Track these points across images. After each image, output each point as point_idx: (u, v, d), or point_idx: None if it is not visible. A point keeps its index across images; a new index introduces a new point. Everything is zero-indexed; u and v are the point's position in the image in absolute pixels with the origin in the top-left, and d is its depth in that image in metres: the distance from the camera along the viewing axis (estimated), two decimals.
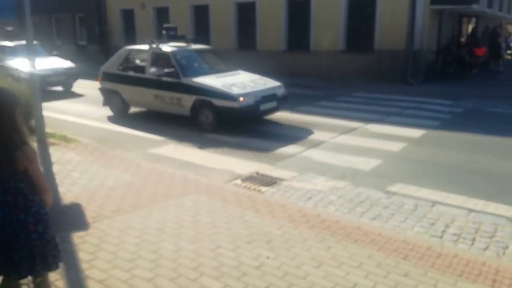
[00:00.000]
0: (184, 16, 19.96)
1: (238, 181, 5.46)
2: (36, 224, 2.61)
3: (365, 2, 15.06)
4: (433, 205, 4.62)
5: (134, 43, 22.18)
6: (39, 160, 5.83)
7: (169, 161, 6.35)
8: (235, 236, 3.84)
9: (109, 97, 9.56)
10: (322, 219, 4.18)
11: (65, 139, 7.10)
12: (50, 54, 14.16)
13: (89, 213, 4.31)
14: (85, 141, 7.16)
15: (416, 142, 7.30)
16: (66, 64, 13.52)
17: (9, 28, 14.07)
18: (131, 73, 9.22)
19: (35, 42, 13.89)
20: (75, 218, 4.24)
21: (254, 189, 5.19)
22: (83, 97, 12.32)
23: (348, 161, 6.26)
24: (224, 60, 9.76)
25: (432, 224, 4.19)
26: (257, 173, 5.77)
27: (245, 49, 18.21)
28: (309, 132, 7.97)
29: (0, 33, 14.44)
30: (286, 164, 6.22)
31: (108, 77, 9.57)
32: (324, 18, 15.80)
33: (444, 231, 4.04)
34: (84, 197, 4.73)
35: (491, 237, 3.93)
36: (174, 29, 9.87)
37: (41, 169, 5.56)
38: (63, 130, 7.73)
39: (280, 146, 7.02)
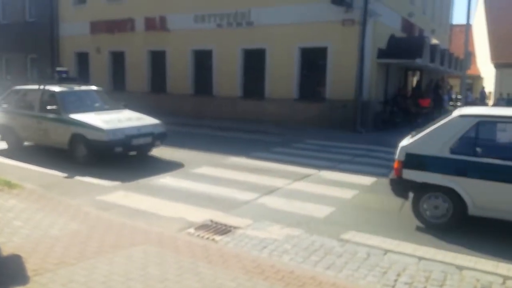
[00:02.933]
0: (140, 61, 20.01)
1: (191, 230, 5.31)
2: None
3: (316, 55, 15.79)
4: (385, 253, 4.68)
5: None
6: None
7: (119, 209, 6.11)
8: None
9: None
10: (277, 270, 4.11)
11: (9, 185, 6.70)
12: (118, 106, 10.25)
13: (30, 265, 4.01)
14: (30, 187, 6.78)
15: (367, 189, 7.49)
16: (152, 120, 9.72)
17: None
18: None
19: (94, 87, 10.85)
20: (14, 271, 3.92)
21: (207, 238, 5.07)
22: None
23: (302, 208, 6.29)
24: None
25: (384, 273, 4.22)
26: (211, 221, 5.66)
27: (201, 95, 18.42)
28: (263, 178, 7.99)
29: None
30: (241, 211, 6.15)
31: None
32: (278, 68, 16.37)
33: (396, 280, 4.07)
34: (26, 247, 4.42)
35: (441, 286, 4.00)
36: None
37: None
38: (7, 175, 7.31)
39: (235, 193, 6.96)
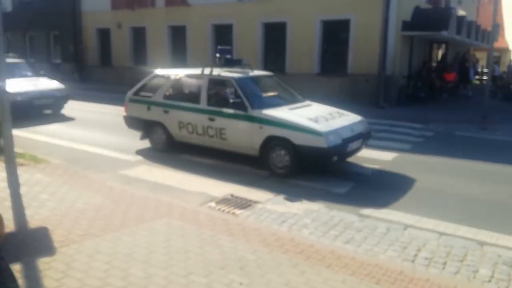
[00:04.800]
0: (161, 36, 20.01)
1: (212, 204, 5.40)
2: None
3: (338, 28, 15.46)
4: (405, 229, 4.67)
5: (110, 62, 22.21)
6: (6, 181, 5.64)
7: (142, 183, 6.24)
8: (208, 261, 3.77)
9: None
10: (296, 243, 4.15)
11: (35, 159, 6.91)
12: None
13: (57, 237, 4.17)
14: (56, 162, 6.97)
15: (388, 164, 7.42)
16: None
17: None
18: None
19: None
20: (41, 242, 4.09)
21: (228, 212, 5.14)
22: (74, 121, 11.73)
23: (322, 183, 6.30)
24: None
25: (404, 248, 4.22)
26: (232, 195, 5.73)
27: None
28: None
29: None
30: (262, 186, 6.19)
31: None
32: (299, 42, 16.12)
33: (416, 255, 4.07)
34: (52, 220, 4.58)
35: (461, 261, 3.98)
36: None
37: (8, 191, 5.39)
38: (34, 150, 7.53)
39: (257, 168, 7.00)
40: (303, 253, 3.97)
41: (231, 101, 6.86)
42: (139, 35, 20.99)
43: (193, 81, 7.88)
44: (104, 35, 22.30)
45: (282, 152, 6.52)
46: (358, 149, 7.05)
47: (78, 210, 4.89)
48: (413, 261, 3.96)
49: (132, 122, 8.44)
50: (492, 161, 7.75)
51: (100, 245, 4.02)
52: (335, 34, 15.70)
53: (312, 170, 6.75)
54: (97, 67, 22.82)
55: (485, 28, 22.29)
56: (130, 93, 8.42)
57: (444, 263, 3.93)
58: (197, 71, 7.86)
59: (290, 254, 3.93)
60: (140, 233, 4.31)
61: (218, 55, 7.86)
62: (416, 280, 3.54)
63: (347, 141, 6.53)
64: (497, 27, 16.17)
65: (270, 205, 5.37)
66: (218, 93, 7.57)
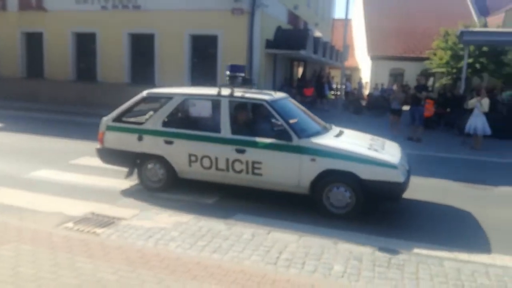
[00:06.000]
0: (13, 43, 18.05)
1: (70, 224, 4.96)
2: None
3: (207, 43, 15.76)
4: (268, 233, 4.88)
5: None
6: None
7: None
8: (63, 286, 3.43)
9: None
10: (162, 258, 4.04)
11: None
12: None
13: None
14: None
15: None
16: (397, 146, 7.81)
17: None
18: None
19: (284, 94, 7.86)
20: None
21: (88, 231, 4.78)
22: None
23: (191, 195, 6.26)
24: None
25: (268, 251, 4.39)
26: (93, 213, 5.35)
27: (84, 81, 17.29)
28: None
29: None
30: (127, 201, 5.91)
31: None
32: (168, 55, 16.00)
33: (278, 258, 4.27)
34: None
35: (319, 260, 4.29)
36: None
37: None
38: None
39: (121, 183, 6.67)
40: (168, 267, 3.87)
41: (275, 128, 5.72)
42: None
43: (207, 104, 6.32)
44: None
45: (342, 188, 5.50)
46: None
47: None
48: (275, 264, 4.15)
49: (113, 156, 6.58)
50: None
51: None
52: (204, 49, 15.96)
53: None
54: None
55: (338, 49, 24.90)
56: (107, 119, 6.60)
57: (303, 263, 4.19)
58: (209, 91, 6.47)
59: (155, 270, 3.80)
60: None
61: (228, 73, 6.47)
62: (278, 282, 3.70)
63: (408, 173, 5.80)
64: (347, 48, 18.21)
65: (135, 221, 5.15)
66: (246, 119, 6.38)
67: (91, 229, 4.83)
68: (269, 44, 16.27)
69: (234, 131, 5.94)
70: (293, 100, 6.97)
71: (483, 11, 31.24)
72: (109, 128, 6.56)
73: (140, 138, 6.33)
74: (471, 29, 19.48)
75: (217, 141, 5.94)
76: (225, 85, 6.40)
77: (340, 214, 5.51)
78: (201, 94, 6.49)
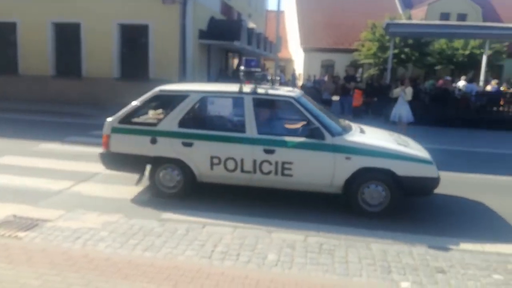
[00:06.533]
0: None
1: None
2: None
3: (137, 33, 15.24)
4: (203, 227, 4.84)
5: None
6: None
7: None
8: None
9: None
10: (90, 259, 3.87)
11: None
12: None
13: None
14: None
15: None
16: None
17: None
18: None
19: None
20: None
21: (9, 236, 4.45)
22: None
23: (123, 192, 6.05)
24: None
25: (202, 245, 4.36)
26: (15, 216, 4.99)
27: (3, 74, 16.05)
28: (79, 164, 7.41)
29: None
30: (52, 202, 5.58)
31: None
32: (96, 45, 15.29)
33: (213, 251, 4.25)
34: None
35: (253, 250, 4.32)
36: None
37: None
38: None
39: (45, 183, 6.29)
40: (97, 268, 3.72)
41: (306, 126, 5.51)
42: None
43: (227, 102, 5.91)
44: None
45: (376, 186, 5.40)
46: None
47: None
48: (210, 257, 4.12)
49: (121, 161, 5.97)
50: None
51: None
52: (134, 39, 15.43)
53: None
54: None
55: (272, 41, 25.15)
56: (112, 121, 5.98)
57: (238, 254, 4.21)
58: (229, 87, 6.08)
59: (82, 272, 3.63)
60: None
61: (242, 67, 6.11)
62: (213, 275, 3.69)
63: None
64: (280, 39, 18.44)
65: (62, 222, 4.88)
66: (272, 117, 6.08)
67: (12, 233, 4.50)
68: (203, 35, 16.06)
69: (260, 131, 5.60)
70: (308, 97, 6.49)
71: (408, 4, 33.01)
72: (116, 130, 5.91)
73: (153, 141, 5.76)
74: (396, 21, 20.53)
75: (242, 142, 5.56)
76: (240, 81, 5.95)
77: (374, 212, 5.44)
78: (220, 91, 6.06)
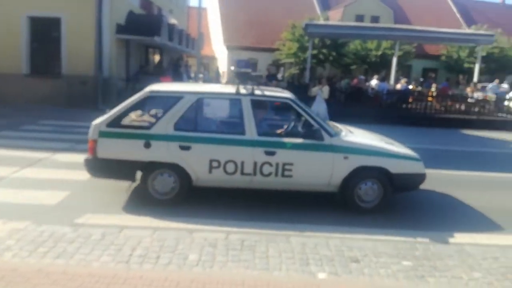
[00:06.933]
0: None
1: None
2: None
3: (49, 26, 14.29)
4: (120, 231, 4.65)
5: None
6: None
7: None
8: None
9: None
10: None
11: None
12: None
13: None
14: None
15: None
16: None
17: None
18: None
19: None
20: None
21: None
22: None
23: (31, 197, 5.62)
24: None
25: (119, 250, 4.19)
26: None
27: None
28: None
29: None
30: None
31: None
32: (2, 39, 14.08)
33: (130, 255, 4.10)
34: None
35: (173, 252, 4.24)
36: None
37: None
38: None
39: None
40: (3, 279, 3.42)
41: (305, 127, 5.63)
42: None
43: (224, 104, 5.93)
44: None
45: (371, 183, 5.65)
46: None
47: None
48: (127, 262, 3.97)
49: (109, 167, 5.49)
50: None
51: None
52: (45, 33, 14.43)
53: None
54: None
55: (194, 37, 24.85)
56: (99, 124, 5.47)
57: (158, 257, 4.10)
58: (225, 89, 5.92)
59: None
60: None
61: (233, 68, 5.78)
62: (130, 279, 3.56)
63: None
64: (202, 36, 18.28)
65: None
66: (269, 119, 6.13)
67: None
68: (120, 29, 15.43)
69: (260, 132, 5.56)
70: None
71: (325, 6, 34.36)
72: (104, 134, 5.45)
73: (147, 145, 5.42)
74: (314, 22, 21.28)
75: (243, 144, 5.46)
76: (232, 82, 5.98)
77: (368, 208, 5.71)
78: (217, 92, 6.02)
